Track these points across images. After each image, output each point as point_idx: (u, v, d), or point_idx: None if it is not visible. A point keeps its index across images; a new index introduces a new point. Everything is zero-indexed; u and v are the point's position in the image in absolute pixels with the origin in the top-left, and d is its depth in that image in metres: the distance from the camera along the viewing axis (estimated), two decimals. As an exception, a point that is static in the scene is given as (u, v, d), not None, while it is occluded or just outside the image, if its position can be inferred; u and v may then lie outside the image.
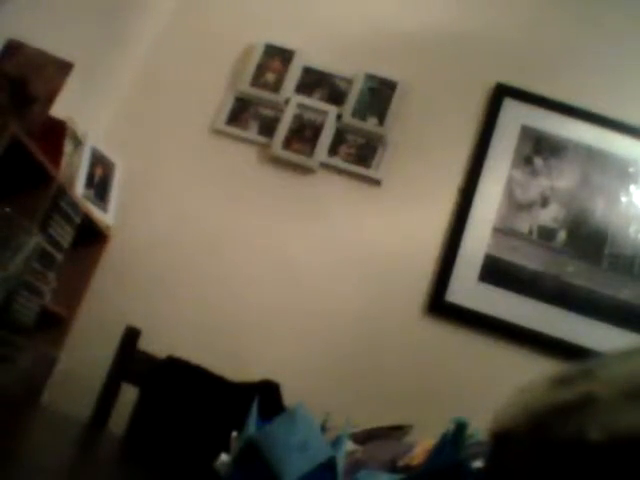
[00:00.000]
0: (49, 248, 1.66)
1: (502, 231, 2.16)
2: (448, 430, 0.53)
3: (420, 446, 0.66)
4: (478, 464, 0.47)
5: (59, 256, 1.74)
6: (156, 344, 1.34)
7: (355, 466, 0.64)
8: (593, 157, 2.24)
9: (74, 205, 1.76)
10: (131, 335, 1.37)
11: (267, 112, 2.31)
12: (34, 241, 1.55)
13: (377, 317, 2.09)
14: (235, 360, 1.93)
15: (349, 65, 2.33)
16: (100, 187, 2.03)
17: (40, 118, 1.55)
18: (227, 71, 2.37)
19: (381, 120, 2.27)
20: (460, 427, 0.51)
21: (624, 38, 2.33)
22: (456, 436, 0.51)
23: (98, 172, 2.02)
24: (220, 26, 2.40)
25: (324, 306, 2.11)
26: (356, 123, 2.27)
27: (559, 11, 2.38)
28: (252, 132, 2.29)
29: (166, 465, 0.98)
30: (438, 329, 2.08)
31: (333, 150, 2.25)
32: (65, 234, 1.75)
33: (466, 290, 2.11)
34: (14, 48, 1.57)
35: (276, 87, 2.32)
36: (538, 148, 2.25)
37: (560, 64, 2.32)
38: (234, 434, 0.59)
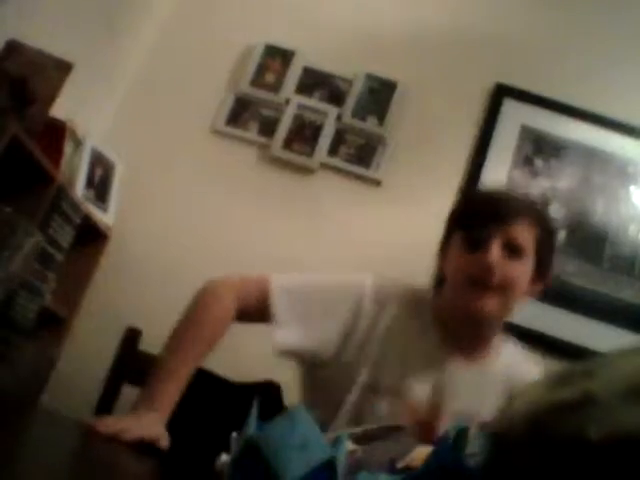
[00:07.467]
0: (49, 248, 1.66)
1: (502, 231, 2.16)
2: (448, 430, 0.53)
3: (420, 451, 0.66)
4: (478, 464, 0.47)
5: (59, 256, 1.74)
6: (156, 344, 1.34)
7: (355, 466, 0.64)
8: (593, 157, 2.24)
9: (74, 205, 1.76)
10: (131, 335, 1.37)
11: (267, 112, 2.31)
12: (34, 241, 1.55)
13: (377, 317, 2.08)
14: (236, 360, 1.93)
15: (349, 65, 2.33)
16: (100, 187, 2.03)
17: (40, 118, 1.55)
18: (227, 71, 2.36)
19: (381, 120, 2.27)
20: (460, 433, 0.51)
21: (624, 38, 2.33)
22: (456, 441, 0.51)
23: (98, 172, 2.02)
24: (220, 26, 2.40)
25: (324, 306, 2.11)
26: (356, 123, 2.27)
27: (559, 11, 2.37)
28: (252, 132, 2.29)
29: (166, 465, 0.98)
30: (438, 329, 2.08)
31: (333, 150, 2.25)
32: (65, 234, 1.75)
33: (466, 290, 2.10)
34: (14, 48, 1.57)
35: (276, 87, 2.32)
36: (538, 148, 2.25)
37: (560, 64, 2.32)
38: (234, 434, 0.59)
